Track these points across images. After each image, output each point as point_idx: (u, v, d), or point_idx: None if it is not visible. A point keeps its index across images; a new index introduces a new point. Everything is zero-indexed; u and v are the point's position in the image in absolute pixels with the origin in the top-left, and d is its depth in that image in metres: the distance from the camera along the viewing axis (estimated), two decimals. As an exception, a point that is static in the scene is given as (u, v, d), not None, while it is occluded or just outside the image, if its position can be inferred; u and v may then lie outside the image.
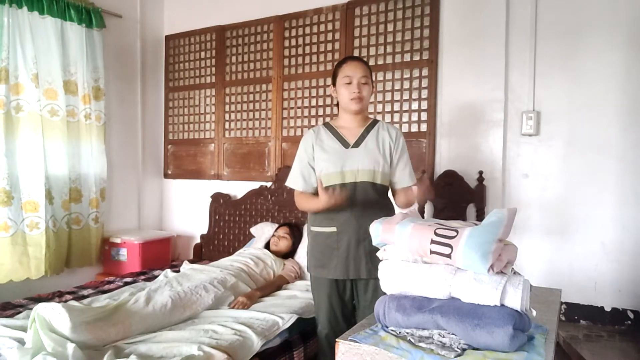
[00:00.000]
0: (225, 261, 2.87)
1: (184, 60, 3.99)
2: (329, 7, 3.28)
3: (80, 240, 3.35)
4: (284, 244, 3.03)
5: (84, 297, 2.57)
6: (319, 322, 2.04)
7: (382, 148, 1.97)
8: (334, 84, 2.00)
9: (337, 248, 1.94)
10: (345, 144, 1.97)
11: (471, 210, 2.83)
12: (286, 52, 3.48)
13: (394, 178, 2.01)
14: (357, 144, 1.97)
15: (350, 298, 2.02)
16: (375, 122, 2.04)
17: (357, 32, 3.19)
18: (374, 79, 3.11)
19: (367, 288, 1.96)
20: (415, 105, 3.01)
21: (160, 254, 3.66)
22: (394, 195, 2.06)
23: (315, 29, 3.36)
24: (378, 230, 1.15)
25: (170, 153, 4.10)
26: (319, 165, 1.98)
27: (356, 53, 3.18)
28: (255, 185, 3.60)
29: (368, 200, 1.93)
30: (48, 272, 3.03)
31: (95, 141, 3.40)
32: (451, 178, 2.84)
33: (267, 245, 3.12)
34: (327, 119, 2.16)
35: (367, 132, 2.00)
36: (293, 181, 2.05)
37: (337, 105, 2.05)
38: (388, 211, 1.98)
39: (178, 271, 2.84)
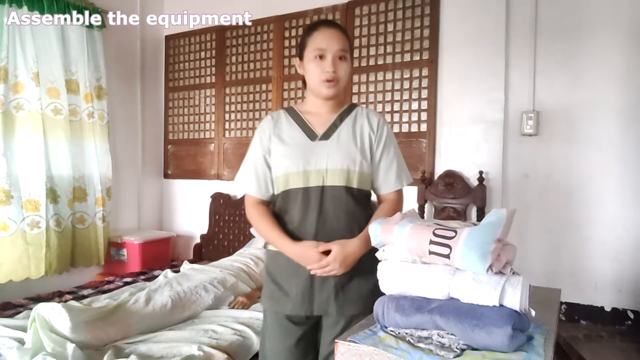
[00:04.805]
0: (225, 261, 2.87)
1: (184, 60, 3.99)
2: (329, 7, 3.28)
3: (86, 240, 3.35)
4: (284, 244, 3.02)
5: (84, 297, 2.57)
6: None
7: (359, 141, 1.47)
8: (300, 56, 1.49)
9: (296, 274, 1.43)
10: (311, 135, 1.47)
11: (471, 210, 2.83)
12: (286, 52, 3.48)
13: (376, 181, 1.51)
14: (326, 135, 1.47)
15: (313, 343, 1.50)
16: (352, 106, 1.54)
17: (357, 32, 3.19)
18: (373, 78, 3.14)
19: (335, 327, 1.43)
20: (415, 105, 3.01)
21: (160, 254, 3.66)
22: (379, 203, 1.55)
23: (315, 29, 3.36)
24: (377, 230, 1.15)
25: (170, 153, 4.11)
26: (275, 162, 1.47)
27: (356, 53, 3.17)
28: (256, 185, 3.59)
29: (341, 211, 1.42)
30: (48, 271, 3.02)
31: (99, 140, 3.41)
32: (451, 178, 2.84)
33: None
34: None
35: (340, 119, 1.50)
36: (244, 182, 1.52)
37: (304, 84, 1.56)
38: (361, 223, 1.45)
39: (178, 271, 2.85)
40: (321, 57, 1.42)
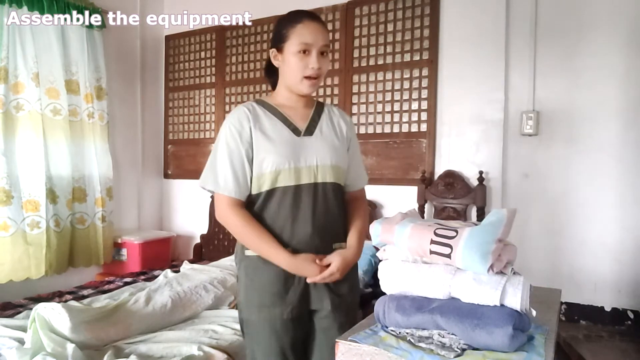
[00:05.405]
0: (225, 261, 2.87)
1: (184, 60, 3.99)
2: (329, 7, 3.28)
3: (86, 240, 3.34)
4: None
5: (84, 297, 2.57)
6: None
7: (340, 136, 1.48)
8: (278, 48, 1.40)
9: (292, 277, 1.37)
10: (294, 130, 1.41)
11: (471, 210, 2.83)
12: (286, 52, 3.47)
13: (349, 177, 1.51)
14: (309, 131, 1.43)
15: (305, 346, 1.45)
16: (321, 103, 1.54)
17: (357, 32, 3.19)
18: (373, 78, 3.14)
19: (330, 325, 1.42)
20: (415, 105, 3.01)
21: (160, 254, 3.66)
22: (350, 199, 1.54)
23: (315, 29, 3.36)
24: (378, 230, 1.15)
25: (170, 153, 4.10)
26: (261, 159, 1.37)
27: (356, 53, 3.18)
28: (255, 185, 3.59)
29: (333, 209, 1.42)
30: (48, 272, 3.02)
31: (99, 140, 3.41)
32: (451, 178, 2.84)
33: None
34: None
35: (317, 115, 1.48)
36: (220, 181, 1.37)
37: (267, 73, 1.52)
38: (345, 221, 1.48)
39: (178, 271, 2.84)
40: (305, 52, 1.36)
